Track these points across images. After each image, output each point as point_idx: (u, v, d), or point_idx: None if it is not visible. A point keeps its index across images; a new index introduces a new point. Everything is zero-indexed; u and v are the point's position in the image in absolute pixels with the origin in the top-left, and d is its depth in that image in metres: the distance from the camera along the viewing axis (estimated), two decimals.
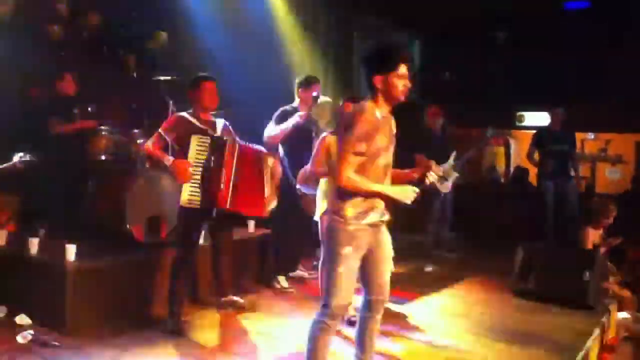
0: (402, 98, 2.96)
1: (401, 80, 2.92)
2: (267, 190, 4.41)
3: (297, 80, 5.35)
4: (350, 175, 2.84)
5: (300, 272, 5.63)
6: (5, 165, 3.31)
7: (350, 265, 2.92)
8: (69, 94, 5.37)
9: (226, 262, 4.62)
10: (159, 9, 6.50)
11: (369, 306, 3.13)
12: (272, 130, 5.18)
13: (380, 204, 2.96)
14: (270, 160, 4.51)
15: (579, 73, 9.56)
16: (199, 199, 4.14)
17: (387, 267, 3.13)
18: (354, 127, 2.85)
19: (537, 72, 9.78)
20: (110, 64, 6.13)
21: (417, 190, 2.94)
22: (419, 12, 9.41)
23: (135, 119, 5.67)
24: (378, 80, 2.91)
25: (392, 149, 3.03)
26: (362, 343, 3.18)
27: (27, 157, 3.46)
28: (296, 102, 5.28)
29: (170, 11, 6.52)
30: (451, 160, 6.80)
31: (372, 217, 2.94)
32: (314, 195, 4.49)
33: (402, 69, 2.92)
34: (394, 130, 3.06)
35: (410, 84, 2.97)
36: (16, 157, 3.37)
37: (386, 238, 3.12)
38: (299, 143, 5.13)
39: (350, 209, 2.89)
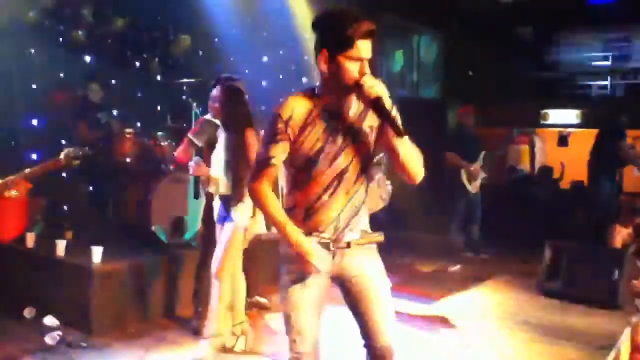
0: (353, 88, 2.11)
1: (355, 63, 2.10)
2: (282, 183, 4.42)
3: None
4: (257, 189, 2.21)
5: None
6: (53, 160, 3.32)
7: (294, 300, 2.23)
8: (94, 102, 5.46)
9: (252, 263, 4.64)
10: (182, 14, 6.55)
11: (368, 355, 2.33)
12: None
13: (334, 218, 2.20)
14: None
15: (602, 70, 9.41)
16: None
17: (375, 305, 2.27)
18: (265, 127, 2.22)
19: (562, 69, 9.66)
20: (134, 68, 6.20)
21: (320, 263, 2.15)
22: (440, 10, 9.36)
23: (159, 121, 5.73)
24: (323, 59, 2.12)
25: (354, 151, 2.20)
26: None
27: (77, 152, 3.41)
28: None
29: (193, 15, 6.56)
30: (480, 160, 6.73)
31: (322, 236, 2.21)
32: None
33: (362, 47, 2.09)
34: (364, 127, 2.22)
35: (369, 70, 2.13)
36: (63, 153, 3.37)
37: (365, 265, 2.29)
38: None
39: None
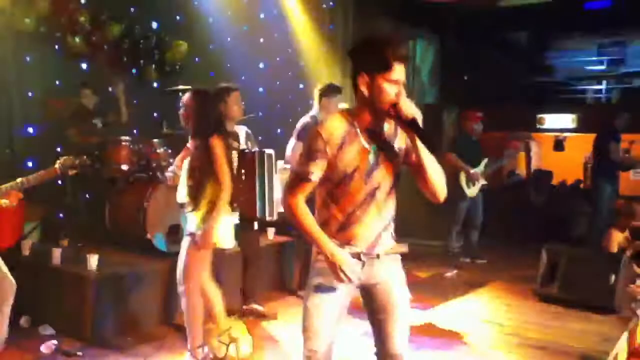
0: (389, 111, 2.24)
1: (393, 86, 2.24)
2: (275, 193, 4.42)
3: (319, 88, 5.12)
4: (293, 203, 2.34)
5: None
6: (47, 170, 3.26)
7: (317, 302, 2.39)
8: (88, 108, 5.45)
9: (252, 271, 4.65)
10: (178, 20, 6.56)
11: None
12: (294, 158, 4.84)
13: (366, 233, 2.35)
14: (280, 163, 4.53)
15: (598, 73, 9.45)
16: (237, 214, 4.16)
17: (394, 315, 2.41)
18: (304, 144, 2.37)
19: (558, 73, 9.70)
20: (131, 74, 6.20)
21: (351, 273, 2.28)
22: (437, 15, 9.38)
23: (155, 128, 5.72)
24: (362, 81, 2.26)
25: (386, 169, 2.34)
26: None
27: (74, 161, 3.33)
28: (315, 111, 5.08)
29: (190, 21, 6.57)
30: (482, 167, 6.74)
31: (354, 248, 2.34)
32: None
33: (398, 71, 2.24)
34: (396, 144, 2.37)
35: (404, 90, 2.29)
36: (58, 163, 3.30)
37: (389, 273, 2.44)
38: None
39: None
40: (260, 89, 7.30)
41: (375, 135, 2.33)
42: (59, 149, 5.29)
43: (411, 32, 10.26)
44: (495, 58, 10.36)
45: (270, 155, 4.42)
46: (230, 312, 4.68)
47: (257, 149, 4.43)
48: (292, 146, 4.94)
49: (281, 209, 4.54)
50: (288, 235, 5.72)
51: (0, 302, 3.19)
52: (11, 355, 3.72)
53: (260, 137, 4.66)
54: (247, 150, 4.31)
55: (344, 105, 5.51)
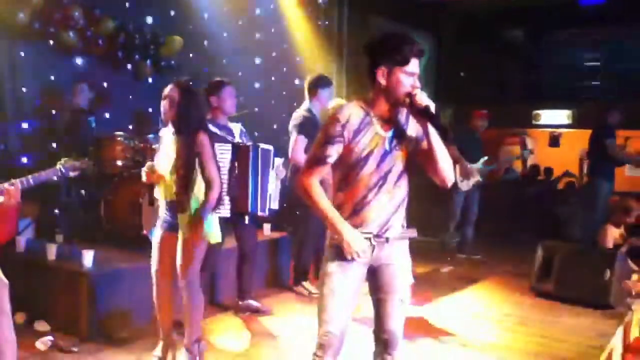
0: (405, 100, 2.41)
1: (409, 78, 2.41)
2: (270, 188, 4.41)
3: (310, 80, 5.09)
4: (308, 184, 2.50)
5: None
6: (47, 171, 3.14)
7: (334, 285, 2.49)
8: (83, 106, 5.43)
9: (248, 267, 4.65)
10: (173, 15, 6.54)
11: (374, 341, 2.65)
12: (299, 154, 4.77)
13: (378, 216, 2.48)
14: (278, 160, 4.51)
15: (595, 70, 9.46)
16: (228, 207, 4.15)
17: (394, 294, 2.56)
18: (322, 129, 2.52)
19: (553, 70, 9.71)
20: (125, 69, 6.18)
21: (362, 252, 2.42)
22: (433, 13, 9.38)
23: (150, 124, 5.70)
24: (381, 73, 2.42)
25: (398, 155, 2.49)
26: None
27: (75, 163, 3.22)
28: (308, 103, 5.04)
29: (185, 17, 6.55)
30: (479, 164, 6.75)
31: (365, 231, 2.47)
32: None
33: (414, 64, 2.42)
34: (408, 132, 2.52)
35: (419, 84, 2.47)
36: (59, 165, 3.19)
37: (396, 257, 2.57)
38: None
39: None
40: (256, 85, 7.30)
41: (390, 123, 2.49)
42: (53, 145, 5.27)
43: (407, 29, 10.26)
44: (491, 55, 10.36)
45: (265, 150, 4.41)
46: (226, 308, 4.70)
47: (251, 143, 4.41)
48: (294, 140, 4.86)
49: (274, 205, 4.53)
50: (284, 231, 5.72)
51: None
52: None
53: (256, 133, 4.65)
54: (241, 144, 4.29)
55: (339, 100, 5.55)
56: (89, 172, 3.34)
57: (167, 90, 3.46)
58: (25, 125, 5.43)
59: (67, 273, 4.16)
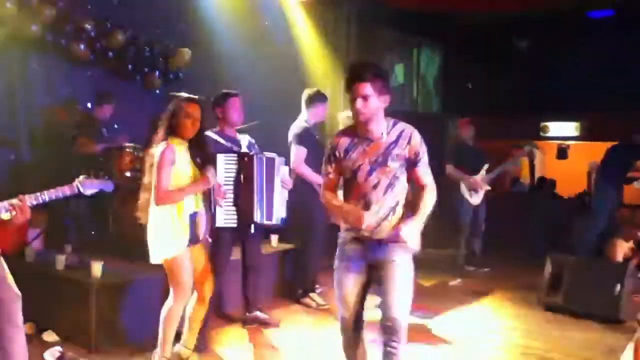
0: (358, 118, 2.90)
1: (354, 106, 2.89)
2: (276, 196, 4.40)
3: (308, 95, 5.29)
4: (323, 194, 3.08)
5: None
6: (62, 188, 3.05)
7: (339, 277, 3.01)
8: (102, 119, 5.47)
9: (254, 279, 4.64)
10: (183, 27, 6.58)
11: (381, 332, 2.94)
12: (301, 163, 5.05)
13: (369, 221, 2.87)
14: (284, 169, 4.52)
15: (602, 82, 9.43)
16: (235, 218, 4.16)
17: (390, 286, 2.88)
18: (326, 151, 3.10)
19: (561, 81, 9.69)
20: (135, 81, 6.22)
21: (364, 220, 2.84)
22: (440, 24, 9.40)
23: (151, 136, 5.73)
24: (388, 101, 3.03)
25: (381, 171, 2.91)
26: None
27: (93, 181, 3.14)
28: (305, 116, 5.25)
29: (194, 29, 6.59)
30: (483, 173, 6.72)
31: (356, 231, 2.95)
32: None
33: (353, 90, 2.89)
34: (395, 151, 2.93)
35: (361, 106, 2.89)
36: (77, 181, 3.10)
37: (391, 256, 2.91)
38: (317, 157, 5.21)
39: (342, 222, 3.06)
40: (263, 97, 7.31)
41: (372, 143, 2.97)
42: (65, 156, 5.30)
43: (415, 41, 10.29)
44: (498, 66, 10.36)
45: (269, 159, 4.40)
46: (233, 319, 4.70)
47: (255, 152, 4.41)
48: (295, 152, 5.08)
49: (282, 213, 4.52)
50: (291, 243, 5.71)
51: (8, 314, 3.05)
52: None
53: (264, 144, 4.68)
54: (245, 154, 4.30)
55: (347, 112, 5.59)
56: (109, 191, 3.24)
57: (192, 109, 3.50)
58: (36, 137, 5.46)
59: (75, 284, 4.17)
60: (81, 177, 3.11)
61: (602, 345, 4.45)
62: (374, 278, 2.98)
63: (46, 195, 2.93)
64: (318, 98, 5.28)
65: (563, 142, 11.33)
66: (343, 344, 3.12)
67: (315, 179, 4.96)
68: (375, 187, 2.90)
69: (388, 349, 2.87)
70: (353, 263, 2.99)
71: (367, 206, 2.90)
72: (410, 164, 2.95)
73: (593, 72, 9.58)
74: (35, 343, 3.97)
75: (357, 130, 2.97)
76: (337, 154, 2.99)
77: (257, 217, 4.26)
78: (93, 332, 3.99)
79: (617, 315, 4.92)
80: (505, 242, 7.70)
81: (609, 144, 6.98)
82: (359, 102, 2.85)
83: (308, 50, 7.85)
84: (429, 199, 2.97)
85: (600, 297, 5.00)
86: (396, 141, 2.94)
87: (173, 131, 3.49)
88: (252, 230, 4.38)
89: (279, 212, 4.44)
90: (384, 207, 2.92)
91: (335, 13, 8.45)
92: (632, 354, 4.39)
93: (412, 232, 2.82)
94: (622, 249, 5.67)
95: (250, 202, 4.20)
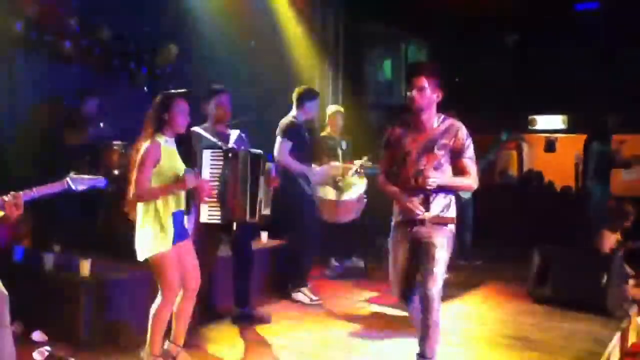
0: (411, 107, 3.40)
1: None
2: (261, 194, 4.38)
3: (300, 92, 5.30)
4: (378, 179, 3.60)
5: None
6: (52, 185, 3.03)
7: (392, 255, 3.54)
8: (88, 115, 5.42)
9: (245, 276, 4.63)
10: (169, 23, 6.54)
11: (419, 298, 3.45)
12: (286, 155, 5.11)
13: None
14: (268, 165, 4.50)
15: (590, 74, 9.50)
16: (219, 214, 4.14)
17: (422, 259, 3.36)
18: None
19: (549, 74, 9.74)
20: (121, 78, 6.17)
21: (418, 208, 3.35)
22: (428, 18, 9.40)
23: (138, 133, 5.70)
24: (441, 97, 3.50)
25: (428, 157, 3.37)
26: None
27: (83, 177, 3.12)
28: (295, 112, 5.26)
29: (181, 25, 6.55)
30: None
31: (403, 215, 3.44)
32: (323, 200, 4.98)
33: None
34: (442, 140, 3.40)
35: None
36: (67, 178, 3.10)
37: (432, 236, 3.37)
38: (307, 153, 5.28)
39: (395, 208, 3.53)
40: (251, 93, 7.29)
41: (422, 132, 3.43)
42: (51, 154, 5.26)
43: (402, 35, 10.29)
44: (486, 60, 10.39)
45: (255, 155, 4.38)
46: (223, 316, 4.69)
47: (241, 149, 4.39)
48: (280, 144, 5.13)
49: (266, 211, 4.51)
50: (281, 239, 5.71)
51: None
52: None
53: (251, 140, 4.67)
54: (230, 151, 4.28)
55: (336, 107, 5.66)
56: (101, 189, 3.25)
57: (184, 105, 3.52)
58: (21, 134, 5.41)
59: (64, 282, 4.15)
60: (72, 174, 3.08)
61: (590, 336, 4.49)
62: (414, 254, 3.41)
63: (36, 192, 2.92)
64: (309, 96, 5.29)
65: (551, 135, 11.40)
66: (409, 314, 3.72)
67: (299, 168, 5.10)
68: (422, 171, 3.31)
69: (423, 317, 3.35)
70: (400, 244, 3.47)
71: (413, 190, 3.35)
72: (456, 155, 3.39)
73: (580, 65, 9.63)
74: (24, 343, 3.94)
75: (410, 122, 3.45)
76: (390, 141, 3.49)
77: (241, 214, 4.23)
78: (82, 331, 3.98)
79: (604, 305, 4.97)
80: (495, 234, 7.74)
81: None
82: (415, 93, 3.33)
83: (295, 46, 7.82)
84: (466, 180, 3.40)
85: (588, 288, 5.05)
86: (444, 133, 3.39)
87: (163, 126, 3.46)
88: (234, 228, 4.35)
89: (263, 210, 4.42)
90: (428, 191, 3.33)
91: (322, 8, 8.43)
92: (619, 344, 4.45)
93: (437, 179, 3.25)
94: (609, 240, 5.71)
95: (234, 199, 4.18)
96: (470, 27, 9.78)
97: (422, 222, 3.36)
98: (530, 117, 11.12)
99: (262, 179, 4.38)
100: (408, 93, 3.38)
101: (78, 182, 3.08)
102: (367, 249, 6.58)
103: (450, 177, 3.39)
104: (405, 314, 4.98)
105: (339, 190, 5.48)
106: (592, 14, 9.66)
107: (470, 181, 3.40)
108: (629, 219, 5.74)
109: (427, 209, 3.36)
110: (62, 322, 4.07)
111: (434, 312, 3.31)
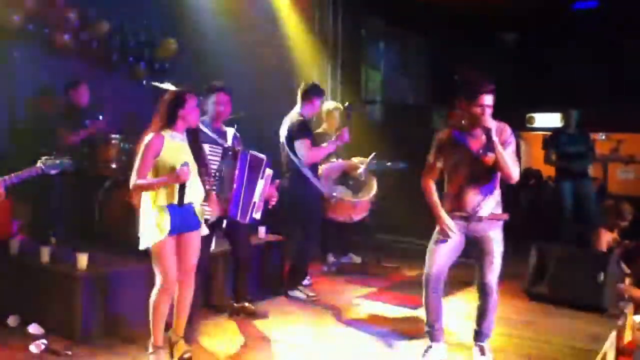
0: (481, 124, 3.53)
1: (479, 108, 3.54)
2: (255, 197, 4.38)
3: (306, 88, 5.23)
4: (425, 184, 3.75)
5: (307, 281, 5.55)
6: (28, 169, 3.31)
7: (443, 240, 3.72)
8: (81, 105, 5.37)
9: (244, 271, 4.64)
10: (168, 17, 6.52)
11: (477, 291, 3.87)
12: (313, 152, 5.05)
13: (470, 201, 3.63)
14: (269, 171, 4.49)
15: (588, 73, 9.50)
16: (210, 210, 4.13)
17: (485, 254, 3.72)
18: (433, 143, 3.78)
19: (547, 73, 9.74)
20: (120, 72, 6.16)
21: (452, 231, 3.65)
22: (427, 15, 9.39)
23: (145, 126, 5.67)
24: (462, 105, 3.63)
25: (479, 162, 3.57)
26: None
27: (55, 161, 3.39)
28: (299, 109, 5.17)
29: (180, 19, 6.54)
30: None
31: (462, 211, 3.65)
32: (341, 200, 5.09)
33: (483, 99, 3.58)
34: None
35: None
36: (40, 162, 3.36)
37: (488, 231, 3.68)
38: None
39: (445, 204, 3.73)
40: (249, 88, 7.28)
41: (473, 139, 3.62)
42: (47, 147, 5.24)
43: (400, 32, 10.28)
44: (484, 58, 10.38)
45: (256, 157, 4.37)
46: (220, 311, 4.69)
47: (241, 148, 4.38)
48: (302, 145, 5.00)
49: (257, 215, 4.50)
50: (279, 235, 5.71)
51: None
52: (0, 354, 3.70)
53: (247, 137, 4.66)
54: (230, 149, 4.27)
55: (334, 103, 5.65)
56: (68, 169, 3.51)
57: (195, 101, 3.55)
58: (18, 127, 5.40)
59: (61, 276, 4.15)
60: (43, 159, 3.38)
61: (586, 333, 4.50)
62: (476, 246, 3.76)
63: (14, 178, 3.17)
64: (315, 92, 5.20)
65: (549, 133, 11.38)
66: (424, 297, 3.83)
67: (329, 149, 5.19)
68: (473, 174, 3.58)
69: (482, 302, 3.80)
70: (458, 232, 3.70)
71: (463, 192, 3.61)
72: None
73: (579, 63, 9.63)
74: (21, 336, 3.95)
75: (463, 127, 3.63)
76: (443, 147, 3.67)
77: (232, 212, 4.23)
78: (79, 324, 3.98)
79: (600, 303, 4.98)
80: None
81: (594, 135, 7.05)
82: (486, 111, 3.52)
83: (295, 41, 7.81)
84: (514, 164, 3.54)
85: (584, 286, 5.05)
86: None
87: (175, 122, 3.50)
88: (224, 225, 4.34)
89: (254, 213, 4.41)
90: (482, 190, 3.60)
91: (322, 3, 8.42)
92: (615, 342, 4.46)
93: (493, 133, 3.45)
94: (606, 238, 5.72)
95: (227, 197, 4.18)
96: (469, 25, 9.77)
97: (479, 218, 3.61)
98: (528, 115, 11.11)
99: (260, 183, 4.39)
100: (476, 109, 3.51)
101: (50, 166, 3.40)
102: (365, 246, 6.58)
103: (499, 146, 3.49)
104: (403, 310, 5.01)
105: (353, 189, 5.55)
106: (590, 13, 9.66)
107: (514, 168, 3.54)
108: (626, 218, 5.74)
109: (481, 207, 3.61)
110: (58, 316, 4.07)
111: (493, 298, 3.76)
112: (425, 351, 3.84)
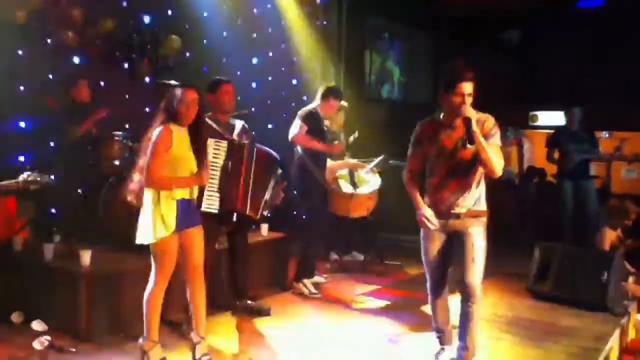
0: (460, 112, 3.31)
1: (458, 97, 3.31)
2: (267, 195, 4.39)
3: (329, 87, 5.40)
4: (406, 177, 3.59)
5: (317, 278, 5.56)
6: (8, 182, 3.26)
7: (427, 248, 3.60)
8: (84, 101, 5.37)
9: (242, 267, 4.63)
10: (171, 15, 6.51)
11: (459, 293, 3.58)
12: (301, 135, 5.17)
13: (449, 197, 3.45)
14: (279, 169, 4.50)
15: (592, 72, 9.49)
16: (217, 204, 4.13)
17: (461, 250, 3.47)
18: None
19: (551, 71, 9.73)
20: (124, 69, 6.15)
21: (431, 223, 3.44)
22: (429, 13, 9.39)
23: (148, 124, 5.67)
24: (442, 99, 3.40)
25: (460, 155, 3.39)
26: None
27: (35, 177, 3.35)
28: (316, 104, 5.31)
29: (183, 16, 6.53)
30: None
31: (441, 206, 3.48)
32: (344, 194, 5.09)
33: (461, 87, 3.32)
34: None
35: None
36: (22, 177, 3.31)
37: (467, 227, 3.47)
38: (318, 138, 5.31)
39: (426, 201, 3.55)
40: (254, 84, 7.28)
41: (453, 131, 3.41)
42: (52, 144, 5.25)
43: (404, 29, 10.26)
44: (488, 56, 10.36)
45: (267, 153, 4.40)
46: (223, 308, 4.69)
47: (247, 141, 4.38)
48: (296, 125, 5.19)
49: (266, 213, 4.51)
50: (282, 232, 5.71)
51: None
52: (3, 351, 3.71)
53: (253, 132, 4.66)
54: (235, 142, 4.27)
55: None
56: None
57: (192, 97, 3.49)
58: (22, 124, 5.39)
59: (64, 273, 4.15)
60: (26, 174, 3.52)
61: (590, 332, 4.49)
62: (453, 245, 3.53)
63: None
64: (334, 93, 5.34)
65: (552, 131, 11.36)
66: (430, 302, 3.77)
67: (314, 145, 5.19)
68: (454, 168, 3.40)
69: (465, 303, 3.49)
70: (434, 235, 3.54)
71: (443, 187, 3.43)
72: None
73: (582, 62, 9.62)
74: (24, 332, 3.95)
75: (441, 120, 3.46)
76: (421, 140, 3.49)
77: (240, 205, 4.22)
78: (82, 321, 3.99)
79: (604, 302, 4.97)
80: (494, 230, 7.72)
81: (598, 133, 7.04)
82: (466, 99, 3.31)
83: (298, 38, 7.80)
84: (498, 158, 3.32)
85: (588, 285, 5.04)
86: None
87: (172, 118, 3.48)
88: (234, 219, 4.33)
89: (263, 210, 4.41)
90: (463, 184, 3.42)
91: (326, 1, 8.39)
92: (618, 340, 4.45)
93: (473, 123, 3.25)
94: (609, 237, 5.71)
95: (234, 190, 4.17)
96: (472, 23, 9.76)
97: (457, 215, 3.44)
98: (531, 114, 11.10)
99: (272, 181, 4.40)
100: (455, 98, 3.30)
101: (30, 182, 3.65)
102: (368, 244, 6.58)
103: (480, 137, 3.29)
104: (405, 308, 5.01)
105: (354, 185, 5.60)
106: (594, 11, 9.64)
107: (498, 159, 3.32)
108: (630, 217, 5.73)
109: (459, 204, 3.43)
110: (62, 312, 4.07)
111: (474, 304, 3.47)
112: (438, 353, 3.81)
